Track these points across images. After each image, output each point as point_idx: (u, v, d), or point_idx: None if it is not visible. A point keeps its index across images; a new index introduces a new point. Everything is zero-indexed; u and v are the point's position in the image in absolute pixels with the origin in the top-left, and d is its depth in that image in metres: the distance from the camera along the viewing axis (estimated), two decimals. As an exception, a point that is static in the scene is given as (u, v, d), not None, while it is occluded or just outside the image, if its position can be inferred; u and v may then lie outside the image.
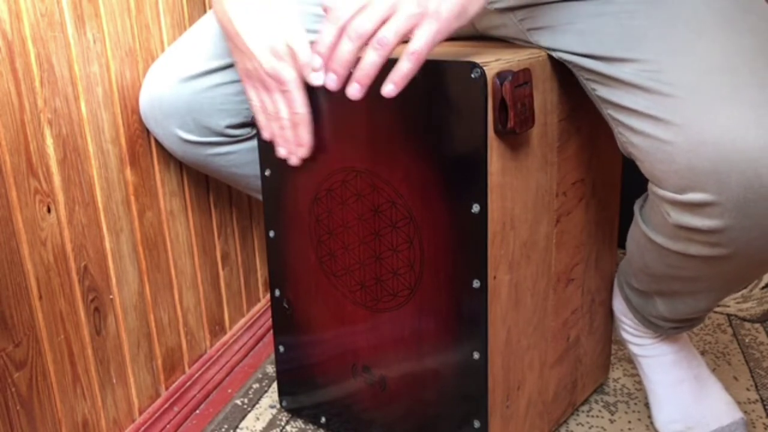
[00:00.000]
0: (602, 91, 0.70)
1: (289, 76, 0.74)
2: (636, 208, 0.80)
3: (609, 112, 0.71)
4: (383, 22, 0.64)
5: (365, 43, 0.65)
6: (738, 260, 0.67)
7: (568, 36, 0.72)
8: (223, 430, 1.00)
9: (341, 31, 0.65)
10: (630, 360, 1.11)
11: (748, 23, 0.64)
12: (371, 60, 0.65)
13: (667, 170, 0.64)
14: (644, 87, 0.65)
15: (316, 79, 0.73)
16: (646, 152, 0.66)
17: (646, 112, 0.65)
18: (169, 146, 0.92)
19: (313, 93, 0.79)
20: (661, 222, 0.71)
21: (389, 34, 0.64)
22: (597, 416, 1.00)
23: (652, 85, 0.64)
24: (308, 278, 0.90)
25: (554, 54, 0.75)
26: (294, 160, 0.81)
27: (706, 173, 0.61)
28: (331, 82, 0.68)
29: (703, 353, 1.13)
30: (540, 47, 0.77)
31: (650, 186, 0.69)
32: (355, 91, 0.67)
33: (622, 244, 0.97)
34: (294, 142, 0.80)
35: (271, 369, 1.14)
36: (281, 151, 0.81)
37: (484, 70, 0.68)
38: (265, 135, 0.81)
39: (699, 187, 0.62)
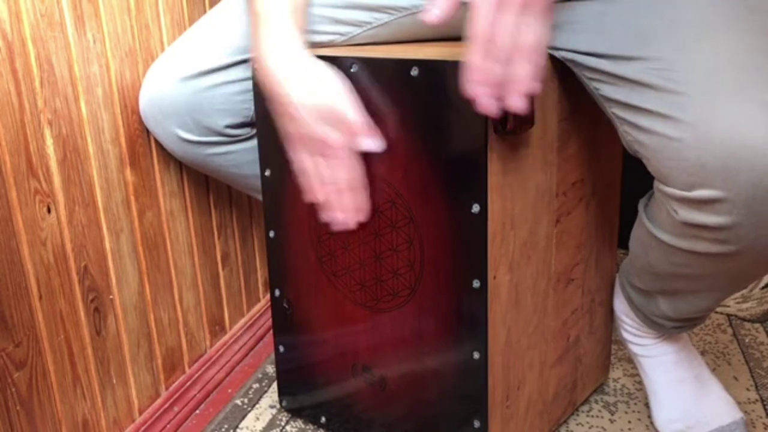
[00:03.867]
0: (607, 90, 0.70)
1: (340, 141, 0.74)
2: (640, 206, 0.80)
3: (614, 111, 0.71)
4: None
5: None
6: (745, 257, 0.67)
7: (572, 35, 0.72)
8: (223, 430, 1.00)
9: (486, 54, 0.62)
10: (630, 360, 1.11)
11: (755, 21, 0.64)
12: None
13: (676, 167, 0.64)
14: (652, 85, 0.65)
15: (368, 145, 0.74)
16: (654, 150, 0.66)
17: (654, 109, 0.64)
18: (169, 146, 0.92)
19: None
20: (667, 220, 0.71)
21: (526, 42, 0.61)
22: (597, 416, 1.00)
23: (661, 82, 0.64)
24: (308, 278, 0.90)
25: (557, 53, 0.75)
26: (351, 225, 0.81)
27: (715, 170, 0.61)
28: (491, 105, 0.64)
29: (703, 353, 1.13)
30: (542, 46, 0.77)
31: (657, 184, 0.69)
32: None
33: (622, 244, 0.97)
34: (351, 207, 0.79)
35: (271, 369, 1.14)
36: (339, 216, 0.80)
37: (484, 70, 0.68)
38: (320, 198, 0.80)
39: (708, 183, 0.62)
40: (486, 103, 0.64)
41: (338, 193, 0.78)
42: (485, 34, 0.61)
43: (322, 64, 0.75)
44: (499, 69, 0.62)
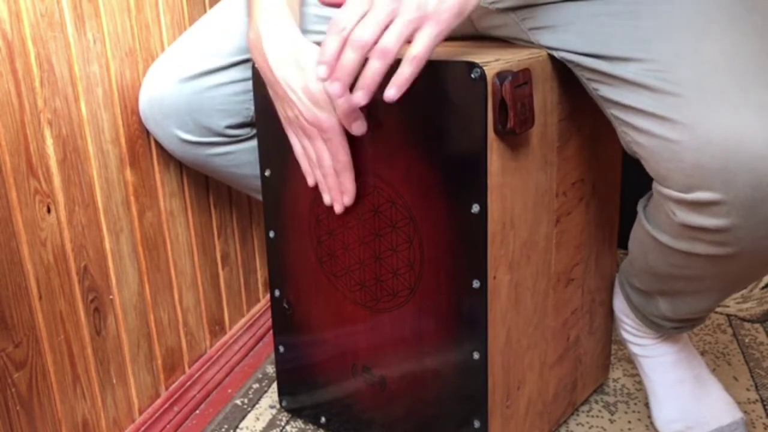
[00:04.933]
0: (605, 91, 0.70)
1: (330, 123, 0.75)
2: (640, 207, 0.80)
3: (612, 112, 0.71)
4: (385, 29, 0.64)
5: (368, 51, 0.65)
6: (743, 259, 0.67)
7: (571, 35, 0.72)
8: (223, 430, 1.00)
9: (344, 41, 0.65)
10: (630, 360, 1.11)
11: (753, 23, 0.64)
12: (374, 68, 0.65)
13: (674, 169, 0.64)
14: (650, 86, 0.65)
15: (358, 129, 0.74)
16: (652, 151, 0.66)
17: (652, 111, 0.64)
18: (169, 146, 0.92)
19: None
20: (665, 221, 0.71)
21: (390, 41, 0.64)
22: (597, 416, 1.00)
23: (658, 84, 0.64)
24: (308, 278, 0.90)
25: (556, 54, 0.75)
26: (338, 208, 0.81)
27: (713, 172, 0.61)
28: (336, 90, 0.67)
29: (703, 353, 1.13)
30: (541, 47, 0.77)
31: (655, 185, 0.69)
32: (359, 98, 0.66)
33: (622, 244, 0.97)
34: (338, 190, 0.79)
35: (271, 369, 1.14)
36: (326, 198, 0.81)
37: (484, 70, 0.68)
38: (310, 181, 0.81)
39: (706, 185, 0.62)
40: (333, 89, 0.67)
41: (325, 176, 0.79)
42: (348, 28, 0.64)
43: (315, 46, 0.75)
44: (353, 59, 0.65)
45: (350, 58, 0.65)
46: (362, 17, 0.64)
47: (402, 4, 0.63)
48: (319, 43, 0.85)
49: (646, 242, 0.78)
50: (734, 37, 0.64)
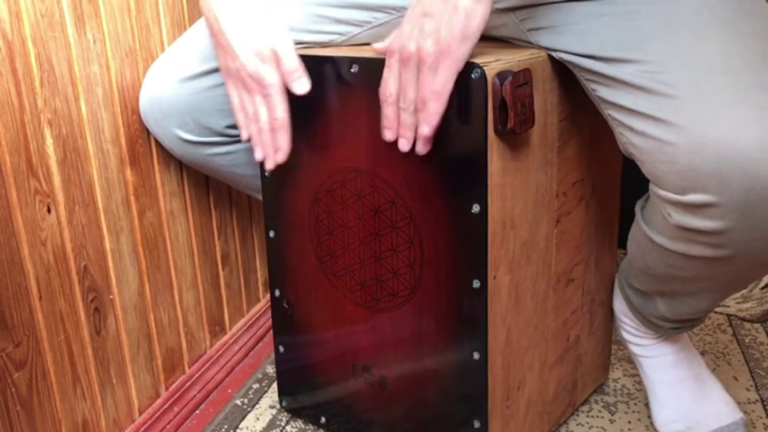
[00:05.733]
0: (603, 92, 0.70)
1: (272, 80, 0.75)
2: (637, 208, 0.80)
3: (609, 113, 0.71)
4: (418, 76, 0.69)
5: (417, 103, 0.71)
6: (739, 261, 0.67)
7: (569, 36, 0.72)
8: (223, 430, 1.00)
9: (396, 106, 0.71)
10: (630, 360, 1.11)
11: (750, 25, 0.64)
12: (433, 109, 0.69)
13: (669, 171, 0.64)
14: (645, 88, 0.65)
15: (300, 87, 0.75)
16: (647, 153, 0.66)
17: (647, 112, 0.64)
18: (169, 146, 0.92)
19: (313, 94, 0.79)
20: (662, 223, 0.71)
21: (428, 89, 0.68)
22: (597, 416, 1.00)
23: (654, 85, 0.64)
24: (308, 278, 0.90)
25: (555, 54, 0.75)
26: (269, 165, 0.81)
27: (707, 174, 0.61)
28: (405, 146, 0.73)
29: (703, 353, 1.13)
30: (540, 47, 0.77)
31: (651, 187, 0.69)
32: (426, 131, 0.71)
33: (622, 244, 0.97)
34: (272, 147, 0.80)
35: (271, 369, 1.14)
36: (258, 154, 0.81)
37: (484, 71, 0.68)
38: (244, 135, 0.82)
39: (700, 188, 0.62)
40: (403, 146, 0.73)
41: (260, 131, 0.79)
42: (394, 94, 0.71)
43: (266, 4, 0.76)
44: (409, 117, 0.71)
45: (405, 118, 0.71)
46: (399, 76, 0.70)
47: (422, 48, 0.67)
48: (320, 43, 0.85)
49: (644, 244, 0.78)
50: (730, 40, 0.64)
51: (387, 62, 0.70)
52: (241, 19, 0.75)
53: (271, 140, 0.79)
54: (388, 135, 0.73)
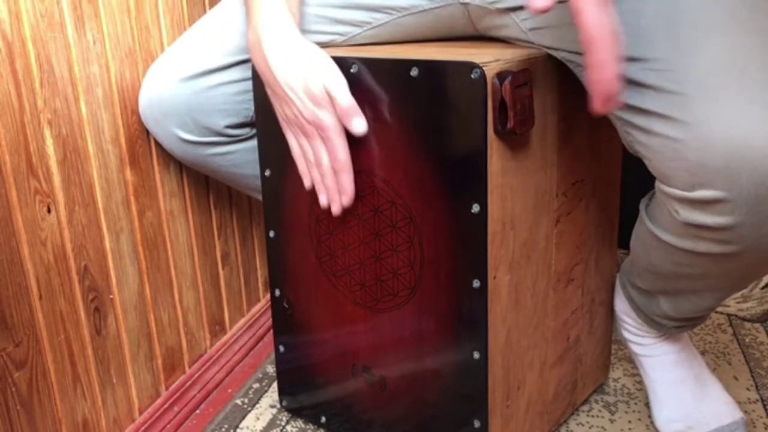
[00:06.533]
0: None
1: (329, 122, 0.75)
2: (642, 206, 0.80)
3: (614, 112, 0.71)
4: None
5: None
6: (747, 257, 0.67)
7: (572, 35, 0.72)
8: (223, 430, 1.00)
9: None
10: (630, 360, 1.11)
11: (756, 22, 0.64)
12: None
13: (677, 167, 0.64)
14: (653, 85, 0.65)
15: (358, 127, 0.74)
16: (655, 150, 0.66)
17: (655, 110, 0.64)
18: (169, 146, 0.92)
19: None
20: (668, 220, 0.71)
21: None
22: (597, 416, 1.00)
23: (661, 83, 0.64)
24: (308, 278, 0.90)
25: (556, 54, 0.75)
26: (336, 209, 0.80)
27: (716, 170, 0.61)
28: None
29: (703, 353, 1.13)
30: (542, 47, 0.77)
31: (658, 184, 0.69)
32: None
33: (622, 244, 0.97)
34: (335, 190, 0.79)
35: (271, 369, 1.14)
36: (322, 199, 0.81)
37: (484, 71, 0.68)
38: (307, 183, 0.81)
39: (709, 183, 0.62)
40: (614, 101, 0.59)
41: (323, 176, 0.79)
42: (602, 34, 0.56)
43: (315, 46, 0.76)
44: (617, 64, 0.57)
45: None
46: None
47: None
48: (320, 44, 0.85)
49: (649, 241, 0.78)
50: (736, 36, 0.64)
51: None
52: (292, 64, 0.75)
53: (334, 184, 0.79)
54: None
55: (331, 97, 0.74)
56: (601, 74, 0.57)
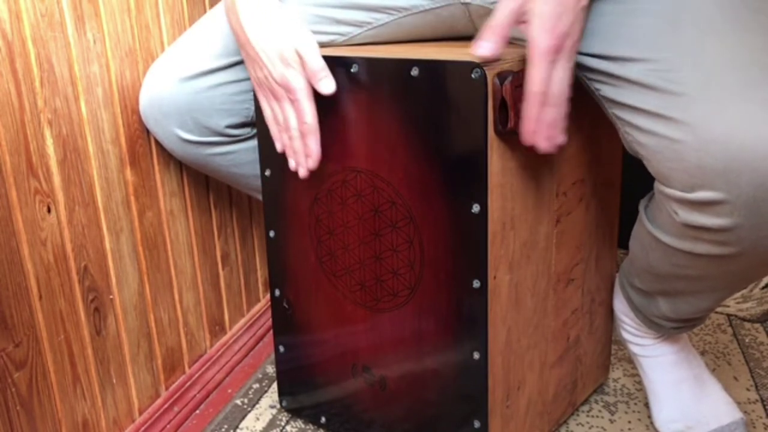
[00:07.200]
0: (607, 91, 0.70)
1: (298, 84, 0.75)
2: (641, 207, 0.80)
3: (614, 112, 0.71)
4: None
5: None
6: (745, 259, 0.67)
7: None
8: (223, 430, 1.00)
9: (542, 99, 0.68)
10: (630, 360, 1.11)
11: (757, 22, 0.64)
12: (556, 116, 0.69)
13: (676, 168, 0.64)
14: (653, 86, 0.65)
15: (326, 87, 0.74)
16: (654, 151, 0.66)
17: (655, 111, 0.64)
18: (169, 146, 0.92)
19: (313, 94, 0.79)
20: (667, 221, 0.71)
21: (558, 84, 0.66)
22: (597, 416, 1.00)
23: (661, 84, 0.64)
24: (308, 278, 0.90)
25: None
26: (302, 172, 0.81)
27: (716, 171, 0.61)
28: (549, 147, 0.70)
29: (703, 353, 1.13)
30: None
31: (657, 185, 0.69)
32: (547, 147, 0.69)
33: (622, 244, 0.97)
34: (302, 153, 0.80)
35: (271, 369, 1.14)
36: (291, 162, 0.81)
37: (484, 71, 0.68)
38: (278, 147, 0.82)
39: (708, 185, 0.62)
40: (546, 146, 0.68)
41: (291, 139, 0.79)
42: (542, 88, 0.65)
43: (289, 9, 0.76)
44: (553, 113, 0.67)
45: (551, 115, 0.68)
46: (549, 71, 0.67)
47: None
48: (324, 45, 0.85)
49: (648, 242, 0.78)
50: (738, 37, 0.64)
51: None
52: (266, 26, 0.75)
53: (301, 147, 0.79)
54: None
55: (301, 57, 0.74)
56: (525, 126, 0.67)
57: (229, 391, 1.09)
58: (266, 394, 1.08)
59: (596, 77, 0.71)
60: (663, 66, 0.64)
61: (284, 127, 0.79)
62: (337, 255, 0.86)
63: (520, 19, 0.65)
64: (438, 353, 0.81)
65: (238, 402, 1.07)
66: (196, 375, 1.06)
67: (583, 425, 0.98)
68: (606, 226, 0.94)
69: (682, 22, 0.65)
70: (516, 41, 0.81)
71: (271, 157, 0.87)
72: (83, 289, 0.84)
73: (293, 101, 0.76)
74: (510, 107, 0.68)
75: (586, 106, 0.81)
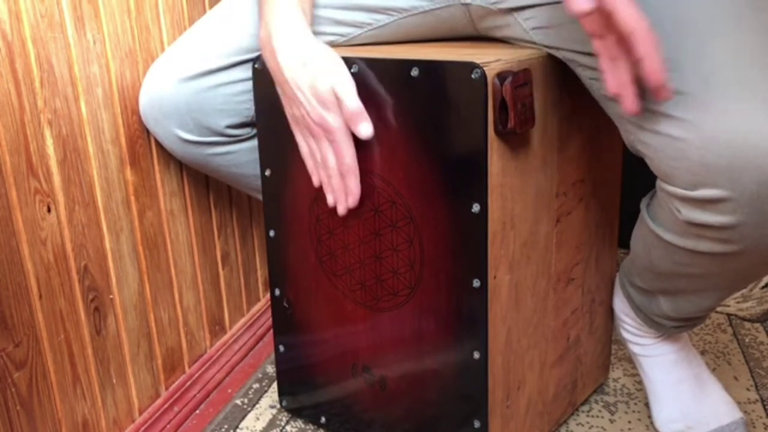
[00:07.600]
0: None
1: (336, 125, 0.75)
2: (643, 205, 0.80)
3: (616, 111, 0.71)
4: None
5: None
6: (748, 257, 0.67)
7: (575, 35, 0.72)
8: (223, 430, 1.00)
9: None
10: (630, 360, 1.11)
11: (758, 20, 0.64)
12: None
13: (679, 167, 0.64)
14: None
15: (364, 131, 0.74)
16: (657, 149, 0.66)
17: (657, 109, 0.64)
18: (169, 146, 0.92)
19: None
20: (670, 219, 0.71)
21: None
22: (597, 416, 1.00)
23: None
24: (308, 278, 0.90)
25: (558, 53, 0.75)
26: (341, 210, 0.81)
27: (719, 169, 0.61)
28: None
29: (703, 353, 1.13)
30: (544, 46, 0.77)
31: (659, 183, 0.69)
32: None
33: (622, 244, 0.97)
34: (342, 191, 0.80)
35: (271, 369, 1.14)
36: (329, 199, 0.81)
37: (484, 71, 0.68)
38: (315, 181, 0.81)
39: (711, 182, 0.62)
40: (631, 102, 0.62)
41: (330, 177, 0.79)
42: (641, 27, 0.59)
43: (326, 47, 0.76)
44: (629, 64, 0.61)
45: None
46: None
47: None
48: (329, 44, 0.85)
49: (650, 240, 0.78)
50: (740, 35, 0.64)
51: None
52: (303, 66, 0.75)
53: (340, 185, 0.79)
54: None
55: (338, 98, 0.74)
56: (651, 65, 0.59)
57: (229, 391, 1.09)
58: (266, 394, 1.08)
59: (597, 76, 0.71)
60: (666, 65, 0.64)
61: (322, 165, 0.79)
62: (337, 254, 0.86)
63: None
64: (438, 353, 0.81)
65: (238, 402, 1.07)
66: (196, 375, 1.06)
67: (583, 425, 0.98)
68: (606, 226, 0.94)
69: (683, 21, 0.65)
70: (517, 41, 0.81)
71: (271, 157, 0.87)
72: (83, 289, 0.84)
73: (332, 141, 0.76)
74: (510, 107, 0.68)
75: (586, 105, 0.81)
